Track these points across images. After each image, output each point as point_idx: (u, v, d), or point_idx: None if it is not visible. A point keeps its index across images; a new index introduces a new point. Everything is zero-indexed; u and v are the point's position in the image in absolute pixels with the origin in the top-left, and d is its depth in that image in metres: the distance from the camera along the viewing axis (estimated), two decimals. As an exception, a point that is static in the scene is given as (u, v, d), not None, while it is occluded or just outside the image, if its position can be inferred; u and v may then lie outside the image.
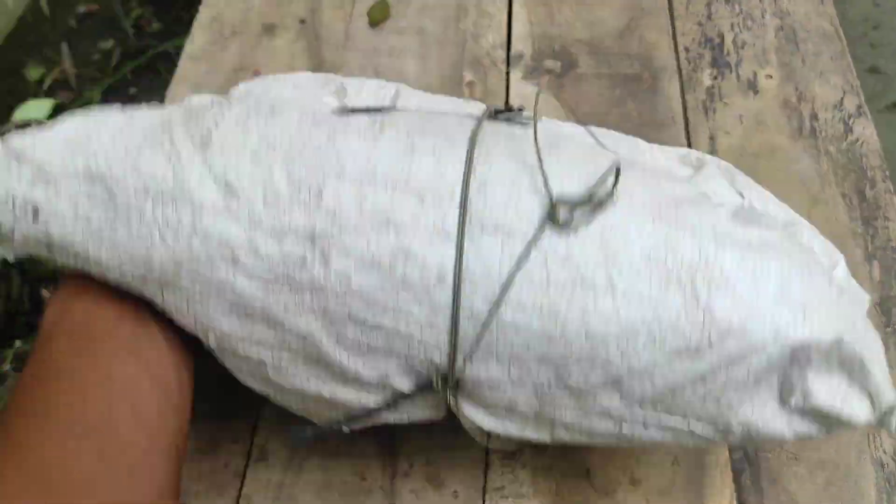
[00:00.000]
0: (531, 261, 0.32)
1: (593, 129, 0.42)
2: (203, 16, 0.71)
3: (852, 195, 0.54)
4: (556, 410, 0.35)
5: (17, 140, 0.36)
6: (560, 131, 0.41)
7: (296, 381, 0.36)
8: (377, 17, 0.68)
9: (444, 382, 0.34)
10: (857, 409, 0.34)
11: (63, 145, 0.36)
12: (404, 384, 0.35)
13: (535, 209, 0.33)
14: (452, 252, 0.33)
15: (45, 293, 1.05)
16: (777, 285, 0.33)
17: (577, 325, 0.32)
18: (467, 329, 0.33)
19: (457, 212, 0.33)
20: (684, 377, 0.33)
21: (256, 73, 0.65)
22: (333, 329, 0.34)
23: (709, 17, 0.66)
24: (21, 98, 1.42)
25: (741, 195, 0.38)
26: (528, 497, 0.44)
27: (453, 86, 0.63)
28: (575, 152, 0.37)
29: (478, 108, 0.41)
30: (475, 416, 0.36)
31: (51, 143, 0.36)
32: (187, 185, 0.34)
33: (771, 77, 0.61)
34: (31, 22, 1.75)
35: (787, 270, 0.33)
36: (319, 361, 0.35)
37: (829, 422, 0.34)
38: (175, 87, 0.66)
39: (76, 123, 0.37)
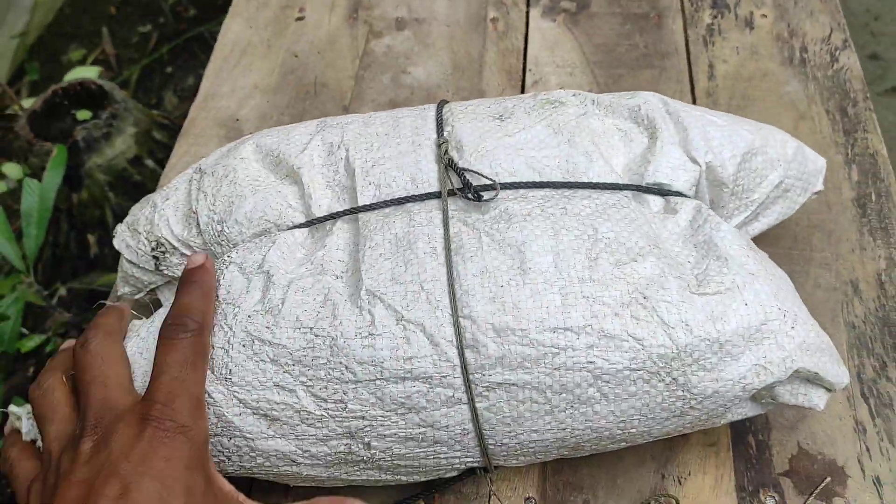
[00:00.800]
0: (536, 396, 0.38)
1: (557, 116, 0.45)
2: (256, -39, 0.78)
3: (836, 112, 0.60)
4: (577, 454, 0.43)
5: None
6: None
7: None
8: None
9: (486, 471, 0.43)
10: (817, 399, 0.41)
11: None
12: (452, 475, 0.43)
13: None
14: (468, 411, 0.38)
15: (90, 239, 1.12)
16: (740, 344, 0.38)
17: (583, 428, 0.39)
18: (496, 452, 0.40)
19: (461, 379, 0.38)
20: (675, 426, 0.41)
21: (302, 10, 0.72)
22: (390, 472, 0.41)
23: (712, -35, 0.73)
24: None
25: (696, 161, 0.43)
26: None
27: (478, 21, 0.69)
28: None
29: (432, 173, 0.43)
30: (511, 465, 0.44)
31: None
32: (232, 422, 0.39)
33: (766, 16, 0.68)
34: (69, 13, 1.84)
35: (746, 321, 0.38)
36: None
37: (797, 406, 0.42)
38: (230, 20, 0.73)
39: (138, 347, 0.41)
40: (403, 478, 0.42)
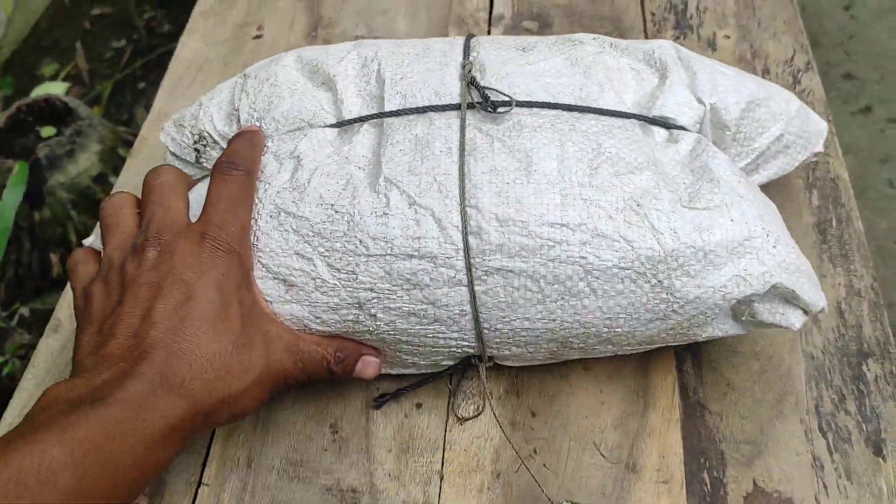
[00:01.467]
0: (530, 284, 0.42)
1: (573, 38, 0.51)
2: (214, -20, 0.77)
3: (797, 135, 0.60)
4: (565, 354, 0.47)
5: None
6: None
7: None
8: (372, -16, 0.74)
9: (480, 360, 0.46)
10: (793, 319, 0.44)
11: None
12: (449, 363, 0.47)
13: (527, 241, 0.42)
14: (466, 293, 0.42)
15: (53, 258, 1.09)
16: (723, 255, 0.42)
17: (572, 321, 0.43)
18: (490, 338, 0.44)
19: (463, 262, 0.42)
20: (658, 330, 0.44)
21: (260, 28, 0.71)
22: (393, 348, 0.45)
23: (675, -14, 0.72)
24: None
25: (701, 102, 0.48)
26: (490, 380, 0.48)
27: (439, 40, 0.69)
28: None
29: (456, 87, 0.48)
30: (505, 363, 0.48)
31: None
32: (253, 284, 0.43)
33: (728, 37, 0.67)
34: (45, 28, 1.82)
35: (730, 235, 0.42)
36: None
37: (775, 326, 0.44)
38: (186, 37, 0.72)
39: None
40: (404, 356, 0.46)
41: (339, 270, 0.42)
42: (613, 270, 0.42)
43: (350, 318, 0.43)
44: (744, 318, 0.44)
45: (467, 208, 0.42)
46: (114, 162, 1.10)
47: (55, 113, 1.09)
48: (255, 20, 0.72)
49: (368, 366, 0.45)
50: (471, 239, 0.42)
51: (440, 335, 0.44)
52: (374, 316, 0.43)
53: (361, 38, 0.69)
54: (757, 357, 0.49)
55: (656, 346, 0.46)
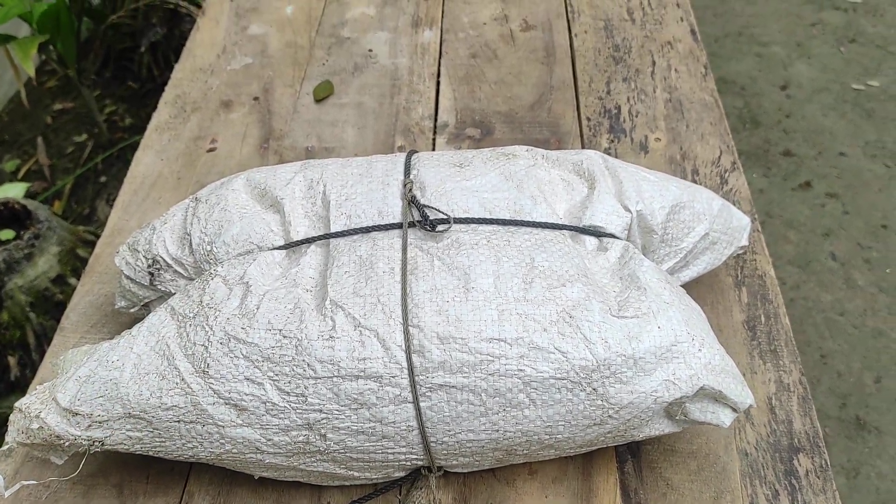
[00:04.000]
0: (472, 398, 0.44)
1: (510, 166, 0.53)
2: (168, 94, 0.80)
3: (725, 234, 0.63)
4: (511, 460, 0.49)
5: (63, 398, 0.45)
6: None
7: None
8: (321, 95, 0.78)
9: (429, 471, 0.48)
10: (723, 417, 0.47)
11: (100, 398, 0.45)
12: (400, 475, 0.49)
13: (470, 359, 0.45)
14: (412, 410, 0.44)
15: (11, 360, 1.08)
16: (653, 361, 0.45)
17: (515, 431, 0.45)
18: (438, 450, 0.46)
19: (408, 380, 0.44)
20: (597, 434, 0.46)
21: (214, 141, 0.74)
22: (343, 466, 0.46)
23: (608, 92, 0.77)
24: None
25: (628, 209, 0.52)
26: (439, 489, 0.50)
27: (386, 150, 0.72)
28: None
29: (397, 206, 0.50)
30: (454, 471, 0.50)
31: (88, 396, 0.45)
32: (206, 410, 0.44)
33: (659, 139, 0.71)
34: (7, 121, 1.84)
35: (658, 341, 0.45)
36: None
37: (707, 424, 0.47)
38: (141, 153, 0.74)
39: (94, 369, 0.46)
40: (356, 473, 0.47)
41: (288, 393, 0.44)
42: (550, 381, 0.44)
43: (300, 438, 0.44)
44: (678, 418, 0.47)
45: (410, 328, 0.44)
46: (73, 263, 1.11)
47: (14, 216, 1.10)
48: (209, 133, 0.75)
49: None
50: (414, 357, 0.44)
51: (389, 451, 0.45)
52: (324, 436, 0.44)
53: (312, 148, 0.72)
54: (694, 455, 0.51)
55: (597, 447, 0.48)
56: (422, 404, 0.44)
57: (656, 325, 0.45)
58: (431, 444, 0.45)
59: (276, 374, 0.44)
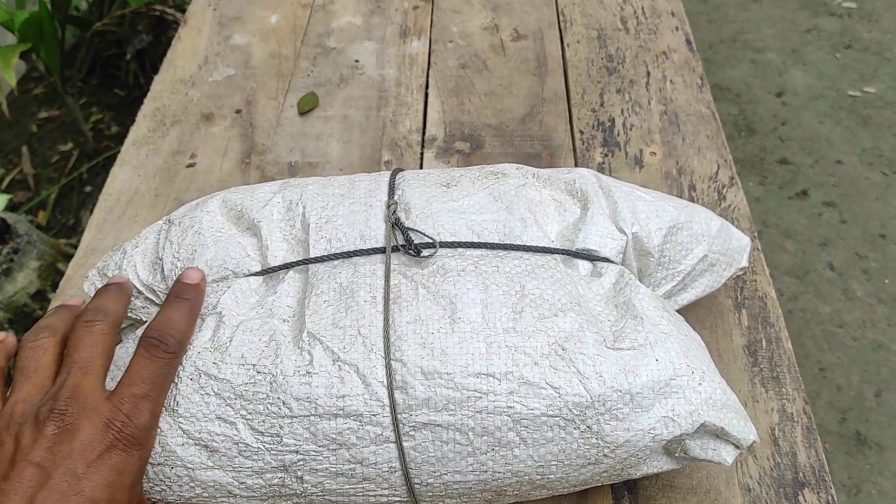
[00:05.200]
0: (459, 438, 0.41)
1: (498, 187, 0.50)
2: (147, 107, 0.77)
3: (724, 253, 0.61)
4: (500, 502, 0.45)
5: None
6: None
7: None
8: (306, 107, 0.75)
9: None
10: (725, 454, 0.44)
11: None
12: None
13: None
14: (395, 450, 0.41)
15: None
16: (650, 396, 0.42)
17: (504, 471, 0.42)
18: (422, 492, 0.43)
19: (390, 418, 0.41)
20: (592, 473, 0.43)
21: (193, 156, 0.71)
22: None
23: (601, 104, 0.74)
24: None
25: (623, 231, 0.49)
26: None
27: (372, 164, 0.69)
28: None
29: (380, 229, 0.48)
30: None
31: None
32: (174, 452, 0.41)
33: (654, 154, 0.69)
34: (-8, 129, 1.81)
35: (656, 375, 0.42)
36: None
37: (708, 461, 0.44)
38: (118, 168, 0.71)
39: None
40: None
41: (262, 433, 0.41)
42: (542, 419, 0.41)
43: (276, 481, 0.42)
44: (677, 455, 0.44)
45: (392, 362, 0.42)
46: (53, 278, 1.08)
47: (-7, 230, 1.07)
48: (189, 147, 0.72)
49: None
50: (396, 394, 0.41)
51: (371, 493, 0.42)
52: (301, 478, 0.42)
53: (295, 163, 0.70)
54: (694, 491, 0.48)
55: (592, 486, 0.45)
56: (405, 444, 0.41)
57: (654, 358, 0.43)
58: (416, 487, 0.42)
59: (250, 413, 0.41)
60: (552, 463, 0.42)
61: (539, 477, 0.43)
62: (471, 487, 0.43)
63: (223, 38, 0.85)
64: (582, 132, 0.71)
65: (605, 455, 0.42)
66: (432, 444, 0.41)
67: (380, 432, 0.41)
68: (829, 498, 0.48)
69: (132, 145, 0.73)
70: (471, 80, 0.78)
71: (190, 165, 0.70)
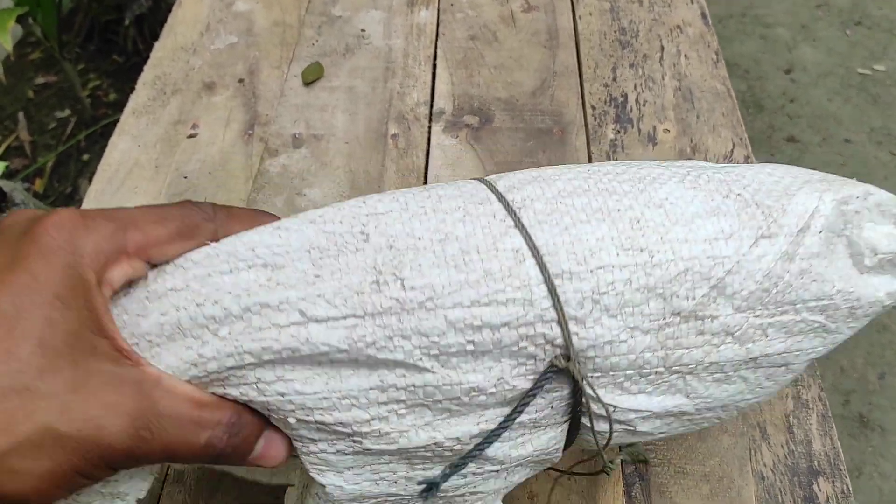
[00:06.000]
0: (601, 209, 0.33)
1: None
2: (147, 74, 0.75)
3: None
4: (681, 353, 0.34)
5: None
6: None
7: (401, 440, 0.32)
8: (311, 77, 0.73)
9: (567, 359, 0.32)
10: None
11: None
12: (523, 382, 0.32)
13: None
14: (519, 236, 0.32)
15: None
16: (798, 182, 0.36)
17: (665, 251, 0.33)
18: (567, 291, 0.32)
19: (505, 210, 0.33)
20: (770, 262, 0.34)
21: (195, 126, 0.69)
22: (435, 346, 0.31)
23: (614, 79, 0.72)
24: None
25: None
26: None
27: (378, 138, 0.67)
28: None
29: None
30: (613, 399, 0.34)
31: None
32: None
33: (668, 131, 0.67)
34: (-13, 94, 1.78)
35: (796, 173, 0.37)
36: (426, 399, 0.32)
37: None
38: (116, 138, 0.69)
39: None
40: (455, 379, 0.31)
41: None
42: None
43: (366, 281, 0.31)
44: (866, 261, 0.36)
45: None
46: (50, 248, 1.06)
47: (-11, 197, 1.05)
48: (190, 117, 0.70)
49: (273, 445, 0.31)
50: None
51: (496, 300, 0.31)
52: (400, 277, 0.31)
53: (300, 136, 0.68)
54: (707, 479, 0.47)
55: (791, 314, 0.35)
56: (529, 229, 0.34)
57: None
58: (555, 278, 0.32)
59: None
60: (719, 238, 0.34)
61: (708, 262, 0.33)
62: (630, 279, 0.32)
63: (225, 5, 0.83)
64: (594, 107, 0.69)
65: (773, 221, 0.35)
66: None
67: (494, 216, 0.33)
68: (844, 487, 0.47)
69: (131, 114, 0.71)
70: (480, 51, 0.76)
71: (191, 136, 0.68)
